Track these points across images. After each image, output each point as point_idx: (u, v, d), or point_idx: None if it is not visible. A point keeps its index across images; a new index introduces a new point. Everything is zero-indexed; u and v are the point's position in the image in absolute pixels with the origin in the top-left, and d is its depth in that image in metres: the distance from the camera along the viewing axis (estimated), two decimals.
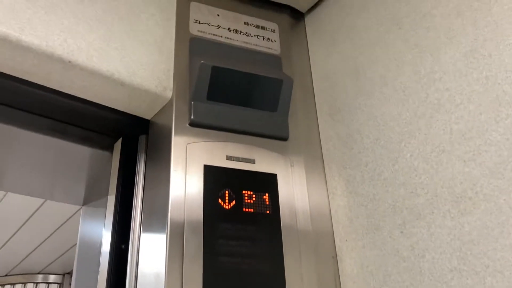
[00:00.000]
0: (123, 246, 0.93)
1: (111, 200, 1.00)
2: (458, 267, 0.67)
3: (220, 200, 0.82)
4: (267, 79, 0.91)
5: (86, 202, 1.29)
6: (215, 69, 0.87)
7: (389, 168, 0.82)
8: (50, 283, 3.53)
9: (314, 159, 0.95)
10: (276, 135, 0.93)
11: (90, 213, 1.29)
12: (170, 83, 0.90)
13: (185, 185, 0.81)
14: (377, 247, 0.80)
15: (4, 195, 2.30)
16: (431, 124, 0.77)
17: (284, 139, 0.93)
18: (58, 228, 2.80)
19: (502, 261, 0.62)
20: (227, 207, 0.82)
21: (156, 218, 0.84)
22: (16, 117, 0.97)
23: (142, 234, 0.88)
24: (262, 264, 0.79)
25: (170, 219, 0.78)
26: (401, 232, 0.77)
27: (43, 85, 0.84)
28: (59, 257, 3.25)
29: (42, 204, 2.44)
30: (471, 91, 0.72)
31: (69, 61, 0.79)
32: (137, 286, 0.83)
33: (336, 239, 0.88)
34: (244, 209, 0.83)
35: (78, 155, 1.11)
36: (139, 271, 0.85)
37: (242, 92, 0.91)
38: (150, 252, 0.82)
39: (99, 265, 0.97)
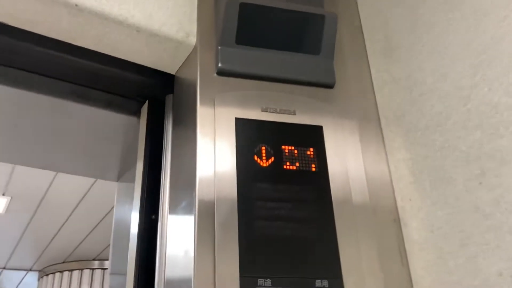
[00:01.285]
0: (153, 216, 0.83)
1: (139, 168, 0.91)
2: None
3: (256, 157, 0.70)
4: (307, 16, 0.77)
5: (120, 176, 1.21)
6: (244, 7, 0.74)
7: (460, 109, 0.67)
8: (106, 268, 3.57)
9: (367, 108, 0.81)
10: (320, 82, 0.79)
11: (124, 189, 1.21)
12: (193, 28, 0.78)
13: (215, 142, 0.69)
14: (449, 204, 0.65)
15: (54, 177, 2.29)
16: None
17: (330, 86, 0.80)
18: (110, 211, 2.79)
19: None
20: (264, 165, 0.69)
21: (184, 182, 0.73)
22: (33, 82, 0.89)
23: (171, 202, 0.78)
24: (309, 230, 0.66)
25: (199, 181, 0.66)
26: (480, 183, 0.62)
27: (52, 37, 0.74)
28: None
29: (92, 185, 2.42)
30: None
31: (76, 4, 0.68)
32: (167, 257, 0.73)
33: (398, 199, 0.74)
34: (284, 167, 0.70)
35: (107, 124, 1.02)
36: (168, 242, 0.74)
37: (277, 32, 0.78)
38: (180, 221, 0.71)
39: (129, 239, 0.88)
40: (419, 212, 0.70)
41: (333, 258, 0.65)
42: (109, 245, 3.32)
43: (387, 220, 0.72)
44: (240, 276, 0.60)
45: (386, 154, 0.77)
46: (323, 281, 0.63)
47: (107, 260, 3.57)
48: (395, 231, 0.72)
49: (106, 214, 2.83)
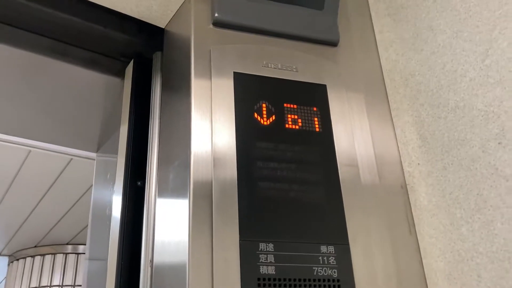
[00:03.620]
0: (139, 183, 0.76)
1: (123, 136, 0.84)
2: None
3: (256, 115, 0.64)
4: None
5: (100, 146, 1.12)
6: None
7: (477, 65, 0.62)
8: (80, 253, 3.46)
9: (372, 69, 0.76)
10: (324, 39, 0.73)
11: (104, 164, 1.12)
12: None
13: (211, 99, 0.63)
14: (464, 166, 0.61)
15: (27, 155, 2.18)
16: None
17: (334, 43, 0.74)
18: (85, 193, 2.69)
19: None
20: (265, 123, 0.64)
21: (177, 141, 0.66)
22: (8, 34, 0.81)
23: (160, 166, 0.71)
24: (313, 193, 0.61)
25: (193, 140, 0.60)
26: (499, 143, 0.57)
27: None
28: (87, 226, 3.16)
29: (67, 164, 2.32)
30: None
31: None
32: (155, 231, 0.67)
33: (405, 164, 0.69)
34: (286, 126, 0.64)
35: (87, 85, 0.94)
36: (157, 208, 0.68)
37: None
38: (172, 186, 0.65)
39: (110, 220, 0.80)
40: (428, 177, 0.66)
41: (339, 223, 0.60)
42: (83, 228, 3.22)
43: (394, 186, 0.67)
44: (240, 240, 0.55)
45: (391, 118, 0.73)
46: (328, 246, 0.58)
47: (82, 244, 3.46)
48: (402, 198, 0.67)
49: (82, 196, 2.72)
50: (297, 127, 0.65)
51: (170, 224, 0.63)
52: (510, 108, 0.57)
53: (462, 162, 0.61)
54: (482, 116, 0.60)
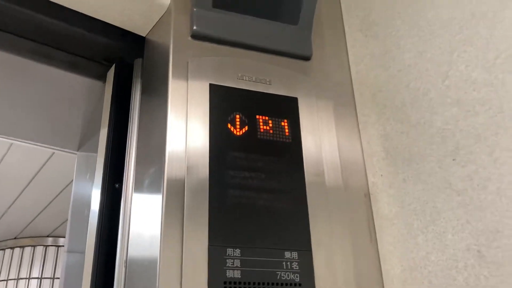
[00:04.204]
0: (117, 185, 0.79)
1: (103, 136, 0.86)
2: None
3: (229, 125, 0.67)
4: None
5: (81, 146, 1.15)
6: None
7: (438, 85, 0.66)
8: (60, 246, 3.47)
9: (342, 83, 0.80)
10: (297, 53, 0.77)
11: (85, 161, 1.15)
12: None
13: (187, 108, 0.66)
14: (422, 180, 0.65)
15: (8, 148, 2.18)
16: (495, 24, 0.60)
17: (307, 58, 0.78)
18: (67, 186, 2.70)
19: None
20: (238, 133, 0.67)
21: (153, 149, 0.69)
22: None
23: (137, 168, 0.74)
24: (280, 201, 0.65)
25: (169, 148, 0.63)
26: (454, 160, 0.62)
27: None
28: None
29: (49, 158, 2.32)
30: None
31: None
32: (130, 231, 0.70)
33: (369, 175, 0.74)
34: (258, 136, 0.68)
35: (69, 87, 0.96)
36: (133, 213, 0.71)
37: None
38: (147, 190, 0.68)
39: (89, 214, 0.83)
40: (390, 188, 0.70)
41: (303, 230, 0.64)
42: (64, 221, 3.22)
43: (358, 195, 0.71)
44: (209, 245, 0.58)
45: (359, 130, 0.77)
46: (292, 252, 0.62)
47: (62, 237, 3.46)
48: (366, 206, 0.71)
49: (63, 189, 2.73)
50: (268, 138, 0.68)
51: (144, 220, 0.66)
52: (465, 127, 0.61)
53: (420, 176, 0.66)
54: (440, 133, 0.64)
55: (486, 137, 0.59)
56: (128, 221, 0.72)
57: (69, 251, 1.14)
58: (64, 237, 3.50)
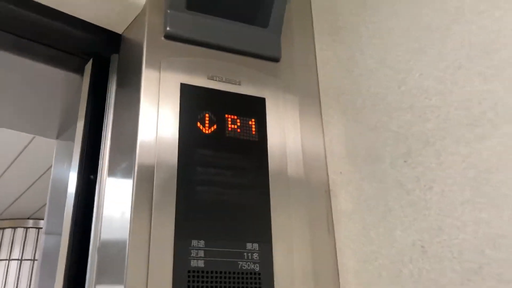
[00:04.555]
0: (91, 176, 0.83)
1: (80, 127, 0.90)
2: (472, 199, 0.57)
3: (199, 124, 0.71)
4: None
5: (60, 134, 1.18)
6: None
7: (395, 91, 0.71)
8: (40, 228, 3.49)
9: (309, 84, 0.84)
10: (266, 55, 0.81)
11: (64, 148, 1.18)
12: None
13: (158, 106, 0.70)
14: (377, 179, 0.70)
15: None
16: (446, 37, 0.65)
17: (276, 59, 0.82)
18: (48, 170, 2.71)
19: None
20: (207, 132, 0.71)
21: (125, 144, 0.73)
22: None
23: (110, 163, 0.78)
24: (244, 196, 0.69)
25: (140, 144, 0.67)
26: (405, 161, 0.67)
27: None
28: None
29: (31, 141, 2.33)
30: None
31: None
32: (103, 218, 0.74)
33: (330, 172, 0.78)
34: (226, 135, 0.72)
35: (48, 79, 0.99)
36: (106, 203, 0.75)
37: (228, 1, 0.79)
38: (118, 183, 0.72)
39: (66, 198, 0.87)
40: (348, 185, 0.75)
41: (264, 224, 0.69)
42: (45, 204, 3.23)
43: (318, 191, 0.76)
44: (175, 237, 0.63)
45: (323, 129, 0.81)
46: (253, 244, 0.66)
47: (43, 219, 3.48)
48: (325, 201, 0.76)
49: (44, 172, 2.75)
50: (236, 136, 0.72)
51: (116, 206, 0.70)
52: (417, 131, 0.66)
53: (375, 175, 0.71)
54: (394, 136, 0.69)
55: (434, 142, 0.63)
56: (102, 206, 0.77)
57: (47, 233, 1.18)
58: None
